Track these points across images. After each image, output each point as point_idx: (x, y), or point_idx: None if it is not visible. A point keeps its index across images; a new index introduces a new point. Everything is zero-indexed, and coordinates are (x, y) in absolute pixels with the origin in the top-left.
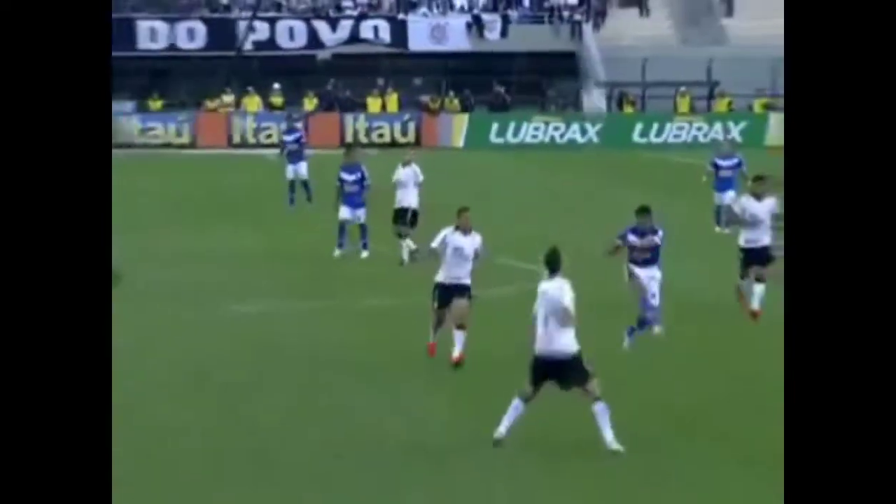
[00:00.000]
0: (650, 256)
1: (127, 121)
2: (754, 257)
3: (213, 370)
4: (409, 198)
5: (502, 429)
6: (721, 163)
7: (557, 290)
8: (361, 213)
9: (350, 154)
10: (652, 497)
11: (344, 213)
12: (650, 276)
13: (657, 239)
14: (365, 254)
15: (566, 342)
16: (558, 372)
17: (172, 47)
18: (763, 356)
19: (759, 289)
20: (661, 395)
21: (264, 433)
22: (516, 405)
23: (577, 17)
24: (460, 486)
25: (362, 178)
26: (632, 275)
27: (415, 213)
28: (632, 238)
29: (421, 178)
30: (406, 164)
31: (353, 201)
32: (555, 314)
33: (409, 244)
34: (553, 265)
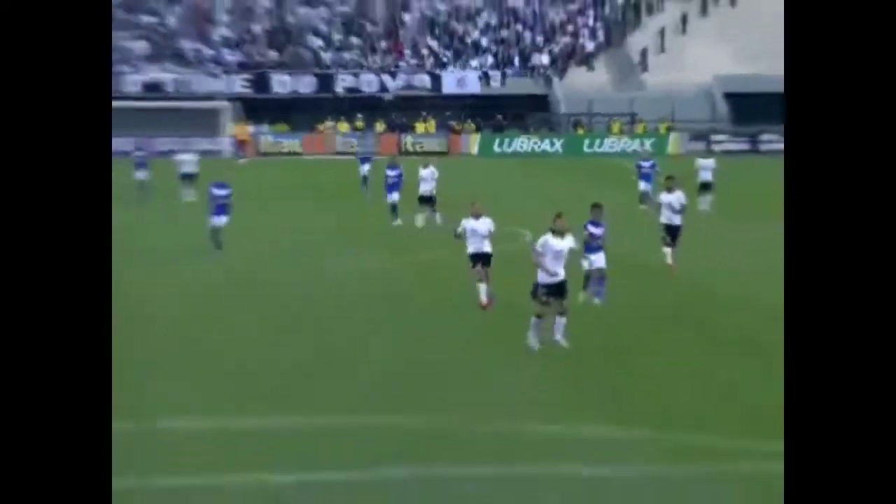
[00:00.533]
0: (601, 244)
1: (265, 138)
2: (670, 232)
3: (322, 306)
4: (427, 188)
5: (533, 340)
6: (642, 164)
7: (559, 242)
8: (397, 196)
9: (394, 159)
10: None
11: (392, 197)
12: (599, 259)
13: (602, 231)
14: (398, 222)
15: (561, 273)
16: (557, 291)
17: (294, 92)
18: (681, 288)
19: (669, 251)
20: (620, 314)
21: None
22: (535, 322)
23: (549, 72)
24: (499, 390)
25: (400, 175)
26: (586, 258)
27: (432, 198)
28: (592, 229)
29: (437, 175)
30: (426, 166)
31: (395, 189)
32: (557, 257)
33: (424, 218)
34: (561, 227)
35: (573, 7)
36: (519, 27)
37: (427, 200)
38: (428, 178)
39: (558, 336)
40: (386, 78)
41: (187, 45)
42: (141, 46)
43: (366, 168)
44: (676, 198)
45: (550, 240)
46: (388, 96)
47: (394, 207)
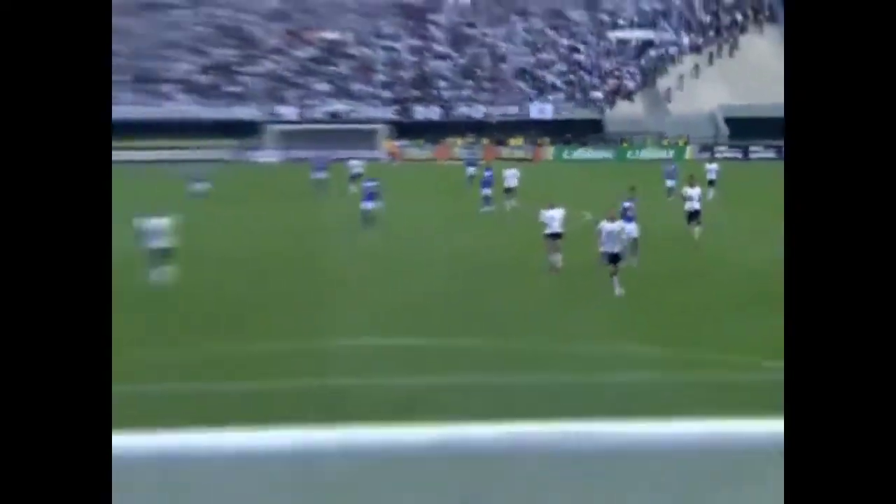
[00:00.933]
0: (632, 215)
1: (408, 149)
2: (693, 215)
3: (440, 265)
4: (510, 183)
5: (619, 289)
6: (666, 168)
7: (611, 225)
8: (489, 191)
9: (489, 164)
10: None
11: (485, 191)
12: (633, 230)
13: (633, 203)
14: (489, 208)
15: (615, 247)
16: (613, 259)
17: (427, 118)
18: (700, 254)
19: (697, 230)
20: (656, 272)
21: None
22: (615, 279)
23: (602, 104)
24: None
25: (491, 175)
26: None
27: (513, 190)
28: (626, 203)
29: (518, 174)
30: (510, 167)
31: (487, 185)
32: (609, 236)
33: (512, 204)
34: (612, 215)
35: (620, 59)
36: (582, 73)
37: (509, 191)
38: (510, 177)
39: (616, 288)
40: (490, 108)
41: (356, 86)
42: (325, 87)
43: (471, 170)
44: (696, 191)
45: (606, 224)
46: (490, 120)
47: (486, 198)
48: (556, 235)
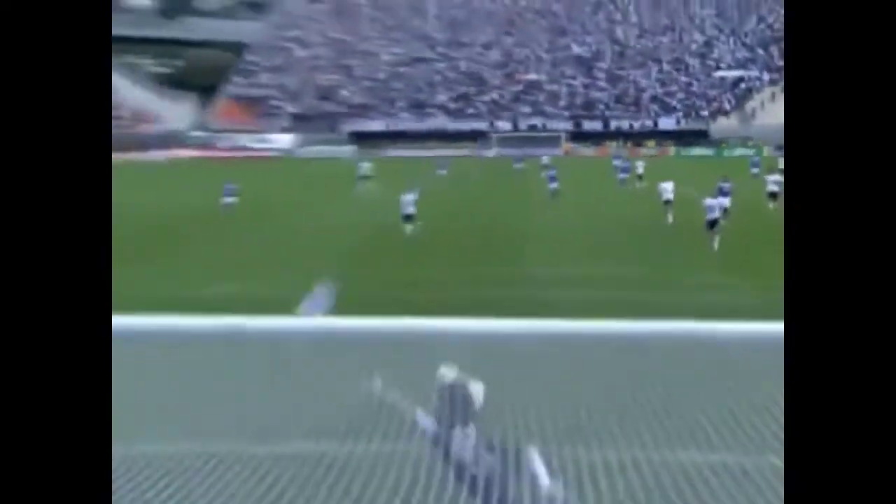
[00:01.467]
0: (727, 191)
1: (578, 149)
2: (773, 195)
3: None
4: (640, 171)
5: (716, 245)
6: (752, 160)
7: (713, 201)
8: (626, 175)
9: (628, 158)
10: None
11: (621, 175)
12: (726, 202)
13: (729, 186)
14: (625, 186)
15: (716, 214)
16: (714, 223)
17: (593, 127)
18: (774, 222)
19: (773, 205)
20: (743, 231)
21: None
22: (714, 238)
23: (708, 119)
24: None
25: (628, 165)
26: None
27: (642, 175)
28: (721, 184)
29: (645, 165)
30: (640, 160)
31: (625, 171)
32: (710, 208)
33: (643, 185)
34: (715, 192)
35: (720, 89)
36: (694, 99)
37: (640, 177)
38: (639, 167)
39: (714, 244)
40: (632, 122)
41: (547, 108)
42: (527, 109)
43: (617, 162)
44: (775, 178)
45: (708, 199)
46: (633, 130)
47: (622, 180)
48: (668, 202)
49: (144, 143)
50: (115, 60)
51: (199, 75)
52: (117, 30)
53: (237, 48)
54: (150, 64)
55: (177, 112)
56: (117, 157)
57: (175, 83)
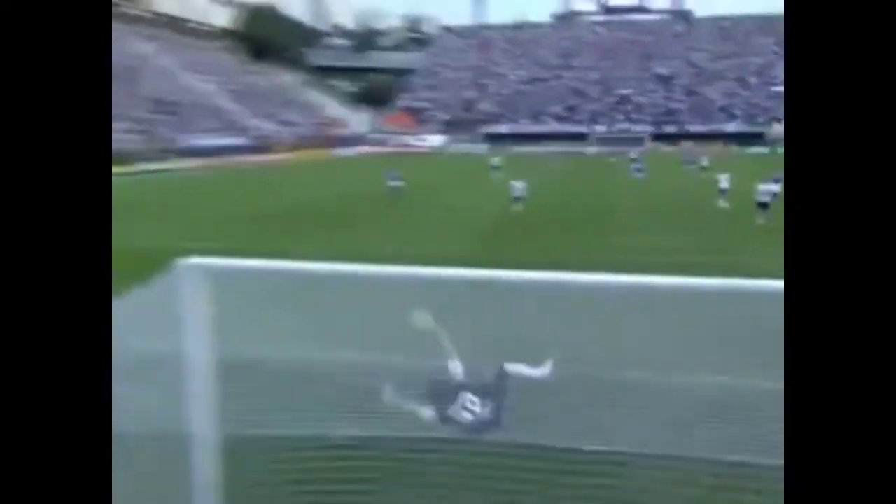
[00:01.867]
0: (780, 179)
1: (657, 147)
2: (761, 204)
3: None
4: (704, 163)
5: (761, 221)
6: None
7: (768, 187)
8: (693, 167)
9: (697, 156)
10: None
11: (689, 167)
12: (779, 187)
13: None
14: (692, 175)
15: (766, 198)
16: (765, 205)
17: (673, 132)
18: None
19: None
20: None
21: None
22: (761, 212)
23: (766, 125)
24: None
25: (694, 158)
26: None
27: (707, 167)
28: (777, 176)
29: (709, 159)
30: (706, 156)
31: (691, 164)
32: (764, 193)
33: (706, 174)
34: (768, 180)
35: (777, 102)
36: (756, 110)
37: (704, 168)
38: (704, 161)
39: (760, 219)
40: (705, 126)
41: (635, 115)
42: (620, 116)
43: (685, 157)
44: (766, 187)
45: (762, 185)
46: (705, 132)
47: (688, 171)
48: (723, 190)
49: (339, 142)
50: (319, 83)
51: (377, 92)
52: (323, 61)
53: (405, 72)
54: (344, 85)
55: (361, 119)
56: (321, 152)
57: (361, 99)
